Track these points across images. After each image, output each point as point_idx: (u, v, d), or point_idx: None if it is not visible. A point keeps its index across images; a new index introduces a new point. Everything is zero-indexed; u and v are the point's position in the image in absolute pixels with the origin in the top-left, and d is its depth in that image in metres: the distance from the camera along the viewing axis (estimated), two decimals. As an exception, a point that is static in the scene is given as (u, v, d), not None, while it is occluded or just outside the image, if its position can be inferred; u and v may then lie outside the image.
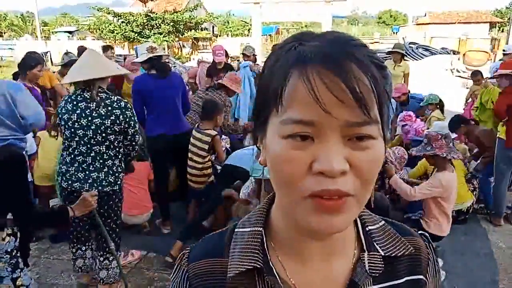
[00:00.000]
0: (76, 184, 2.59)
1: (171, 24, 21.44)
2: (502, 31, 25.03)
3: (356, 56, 0.47)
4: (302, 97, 0.47)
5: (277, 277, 0.57)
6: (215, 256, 0.62)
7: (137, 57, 4.50)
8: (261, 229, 0.61)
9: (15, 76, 4.91)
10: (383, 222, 0.65)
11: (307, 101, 0.46)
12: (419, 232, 0.70)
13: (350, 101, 0.45)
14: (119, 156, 2.69)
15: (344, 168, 0.47)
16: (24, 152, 2.05)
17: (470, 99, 6.70)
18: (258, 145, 0.58)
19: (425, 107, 5.66)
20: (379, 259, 0.60)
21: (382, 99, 0.48)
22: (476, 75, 6.70)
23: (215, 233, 0.67)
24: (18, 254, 2.05)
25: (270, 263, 0.58)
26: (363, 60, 0.47)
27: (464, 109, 6.51)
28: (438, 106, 5.60)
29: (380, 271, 0.60)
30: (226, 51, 6.37)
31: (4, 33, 38.34)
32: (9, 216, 1.97)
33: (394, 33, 37.00)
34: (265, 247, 0.59)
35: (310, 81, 0.46)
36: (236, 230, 0.64)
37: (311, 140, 0.48)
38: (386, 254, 0.61)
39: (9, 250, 1.98)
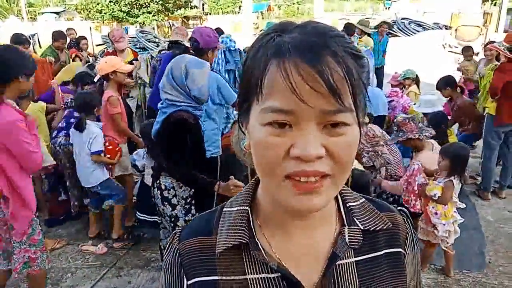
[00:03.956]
0: None
1: (160, 2, 21.06)
2: (495, 5, 24.80)
3: (331, 48, 0.50)
4: (280, 87, 0.49)
5: (263, 251, 0.61)
6: (205, 234, 0.66)
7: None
8: (247, 208, 0.65)
9: None
10: (363, 199, 0.70)
11: (285, 91, 0.49)
12: (398, 208, 0.74)
13: (324, 91, 0.48)
14: None
15: (319, 153, 0.50)
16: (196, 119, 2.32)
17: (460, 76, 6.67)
18: (243, 130, 0.61)
19: (402, 81, 5.85)
20: (359, 233, 0.65)
21: (356, 89, 0.51)
22: (467, 51, 6.66)
23: (205, 213, 0.71)
24: (193, 202, 2.46)
25: (256, 239, 0.62)
26: (338, 52, 0.50)
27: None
28: (414, 82, 5.73)
29: (360, 244, 0.64)
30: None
31: (-11, 14, 37.32)
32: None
33: (386, 8, 36.53)
34: (251, 224, 0.63)
35: (287, 72, 0.49)
36: (224, 209, 0.68)
37: (290, 127, 0.51)
38: (365, 228, 0.65)
39: (184, 197, 2.39)
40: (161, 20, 21.70)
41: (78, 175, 3.54)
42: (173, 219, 2.42)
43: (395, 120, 3.64)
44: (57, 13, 33.62)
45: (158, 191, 2.38)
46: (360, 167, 3.29)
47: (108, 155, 3.51)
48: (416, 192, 3.14)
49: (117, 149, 3.59)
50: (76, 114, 3.71)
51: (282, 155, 0.51)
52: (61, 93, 4.28)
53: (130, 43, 9.02)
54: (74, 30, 7.49)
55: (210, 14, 32.42)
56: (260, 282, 0.61)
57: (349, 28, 7.08)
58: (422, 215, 3.12)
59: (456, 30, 15.72)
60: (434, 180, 3.05)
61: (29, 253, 2.55)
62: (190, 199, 2.44)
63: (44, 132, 3.82)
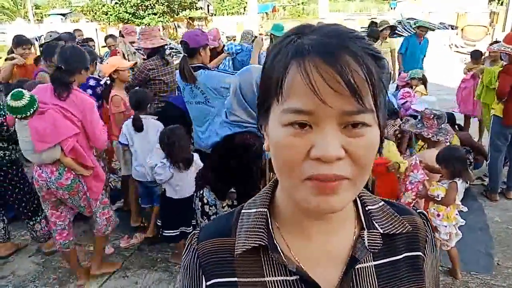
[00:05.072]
0: None
1: (166, 4, 21.13)
2: (502, 4, 24.62)
3: (351, 49, 0.50)
4: (301, 88, 0.50)
5: (282, 253, 0.61)
6: (223, 235, 0.65)
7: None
8: (265, 210, 0.65)
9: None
10: (382, 202, 0.69)
11: (305, 92, 0.49)
12: (418, 211, 0.73)
13: (345, 92, 0.48)
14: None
15: (339, 154, 0.50)
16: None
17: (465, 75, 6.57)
18: (262, 132, 0.61)
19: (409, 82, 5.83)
20: (378, 236, 0.64)
21: (377, 89, 0.51)
22: (476, 57, 6.47)
23: (223, 215, 0.71)
24: None
25: (275, 241, 0.62)
26: (358, 52, 0.50)
27: (459, 86, 6.37)
28: (422, 82, 5.67)
29: (379, 248, 0.63)
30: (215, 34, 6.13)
31: (-4, 17, 37.62)
32: (232, 189, 2.20)
33: (392, 8, 36.44)
34: (270, 226, 0.63)
35: (307, 73, 0.49)
36: (242, 211, 0.67)
37: (310, 127, 0.51)
38: (385, 232, 0.64)
39: None
40: (167, 21, 21.80)
41: (138, 173, 3.55)
42: None
43: (422, 110, 3.60)
44: (63, 15, 33.84)
45: (200, 203, 2.31)
46: None
47: None
48: (407, 186, 3.14)
49: None
50: None
51: (302, 156, 0.51)
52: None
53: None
54: (82, 31, 7.56)
55: (215, 15, 32.50)
56: (279, 285, 0.61)
57: (374, 31, 6.84)
58: None
59: (462, 30, 15.62)
60: (438, 182, 3.03)
61: (107, 215, 3.01)
62: None
63: None
